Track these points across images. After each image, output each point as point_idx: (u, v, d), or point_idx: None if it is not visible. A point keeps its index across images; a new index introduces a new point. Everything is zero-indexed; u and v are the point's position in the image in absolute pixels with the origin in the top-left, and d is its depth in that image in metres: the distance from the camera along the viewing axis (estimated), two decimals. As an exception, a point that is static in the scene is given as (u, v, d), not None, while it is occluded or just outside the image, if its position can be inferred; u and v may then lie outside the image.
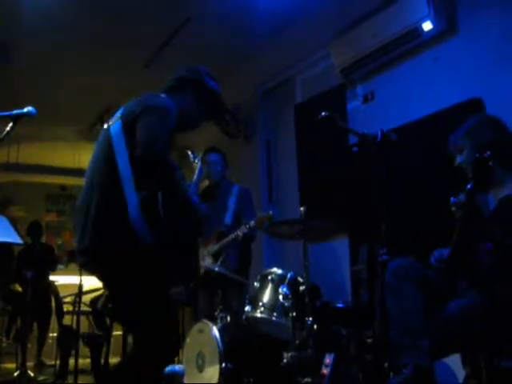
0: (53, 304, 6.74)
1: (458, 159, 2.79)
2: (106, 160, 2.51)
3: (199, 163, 3.12)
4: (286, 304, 3.58)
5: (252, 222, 4.26)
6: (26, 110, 2.74)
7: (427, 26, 4.14)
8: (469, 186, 2.39)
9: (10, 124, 2.66)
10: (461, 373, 2.96)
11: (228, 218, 4.71)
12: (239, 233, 4.36)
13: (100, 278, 2.60)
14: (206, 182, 5.13)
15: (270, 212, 4.28)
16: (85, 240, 2.45)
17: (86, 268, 2.59)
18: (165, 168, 2.47)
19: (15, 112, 2.69)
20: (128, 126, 2.50)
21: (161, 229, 2.42)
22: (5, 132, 2.63)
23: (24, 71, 5.79)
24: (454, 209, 2.65)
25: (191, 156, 3.18)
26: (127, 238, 2.35)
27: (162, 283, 2.49)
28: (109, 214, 2.42)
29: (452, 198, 2.66)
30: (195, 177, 2.99)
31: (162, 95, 2.80)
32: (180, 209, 2.56)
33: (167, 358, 2.55)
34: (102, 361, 4.97)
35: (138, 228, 2.35)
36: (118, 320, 2.84)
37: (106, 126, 2.68)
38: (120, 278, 2.43)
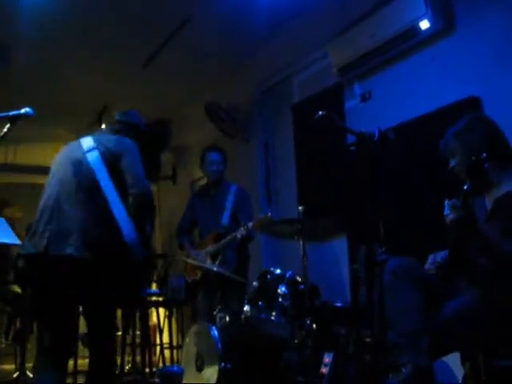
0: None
1: (452, 163, 2.78)
2: (88, 184, 2.88)
3: None
4: (285, 304, 3.58)
5: (250, 224, 4.26)
6: (23, 110, 2.76)
7: (424, 24, 4.14)
8: (465, 188, 2.39)
9: (8, 125, 2.67)
10: (460, 372, 2.96)
11: (225, 219, 4.72)
12: (238, 235, 4.36)
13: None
14: (204, 180, 5.13)
15: (269, 214, 4.29)
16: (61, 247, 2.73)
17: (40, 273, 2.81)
18: (152, 201, 2.96)
19: (13, 113, 2.70)
20: (109, 162, 2.93)
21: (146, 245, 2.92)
22: (2, 133, 2.64)
23: (22, 71, 5.79)
24: (447, 212, 2.63)
25: None
26: (121, 252, 2.79)
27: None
28: (102, 231, 2.81)
29: (446, 202, 2.65)
30: None
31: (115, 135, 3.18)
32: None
33: None
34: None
35: (134, 245, 2.80)
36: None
37: (72, 145, 3.12)
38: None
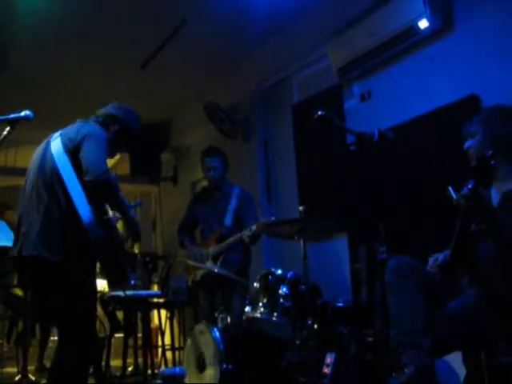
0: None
1: (468, 143, 2.76)
2: (53, 178, 2.95)
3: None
4: (286, 304, 3.58)
5: (254, 227, 4.25)
6: (23, 113, 2.77)
7: (423, 24, 4.14)
8: (470, 186, 2.37)
9: (7, 128, 2.67)
10: (462, 371, 2.96)
11: (228, 220, 4.71)
12: (244, 236, 4.35)
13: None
14: (205, 182, 5.12)
15: (273, 218, 4.28)
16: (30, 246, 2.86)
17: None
18: (111, 186, 2.92)
19: (12, 116, 2.71)
20: (70, 151, 2.97)
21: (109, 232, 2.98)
22: (2, 136, 2.65)
23: (20, 74, 5.78)
24: (456, 201, 2.61)
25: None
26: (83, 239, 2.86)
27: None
28: (63, 223, 2.89)
29: (450, 188, 2.62)
30: None
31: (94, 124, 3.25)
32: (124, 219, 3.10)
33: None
34: (103, 363, 4.96)
35: (92, 230, 2.86)
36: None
37: (43, 143, 3.19)
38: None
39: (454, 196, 2.51)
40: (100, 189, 2.88)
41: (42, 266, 2.87)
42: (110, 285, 4.46)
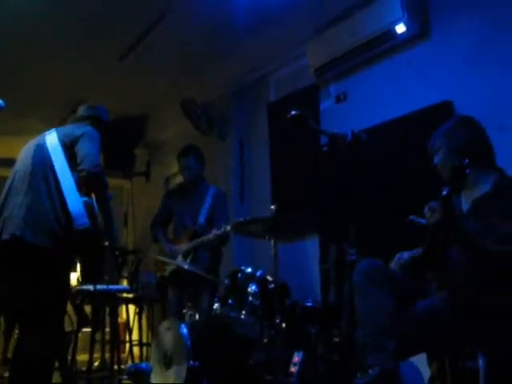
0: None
1: (435, 160, 2.80)
2: (46, 167, 3.09)
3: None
4: (255, 302, 3.59)
5: (228, 227, 4.25)
6: None
7: (400, 28, 4.17)
8: (444, 192, 2.40)
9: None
10: (427, 373, 2.99)
11: (202, 219, 4.71)
12: (211, 236, 4.35)
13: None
14: (181, 178, 5.11)
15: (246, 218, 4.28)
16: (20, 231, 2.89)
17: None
18: (101, 179, 3.12)
19: (-18, 105, 2.67)
20: (66, 145, 3.15)
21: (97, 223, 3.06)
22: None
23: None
24: (428, 214, 2.65)
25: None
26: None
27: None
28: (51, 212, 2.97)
29: (412, 217, 2.69)
30: None
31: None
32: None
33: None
34: (70, 357, 4.91)
35: (79, 219, 2.94)
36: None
37: (36, 138, 3.34)
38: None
39: (422, 222, 2.56)
40: (91, 179, 3.04)
41: (22, 250, 2.88)
42: (83, 278, 4.42)
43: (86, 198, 3.07)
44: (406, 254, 2.81)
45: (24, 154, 3.28)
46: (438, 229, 2.43)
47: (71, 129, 3.31)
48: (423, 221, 2.51)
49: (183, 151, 4.89)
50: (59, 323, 3.01)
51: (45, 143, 3.21)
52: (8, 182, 3.17)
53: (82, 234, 2.94)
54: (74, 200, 2.98)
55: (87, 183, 3.05)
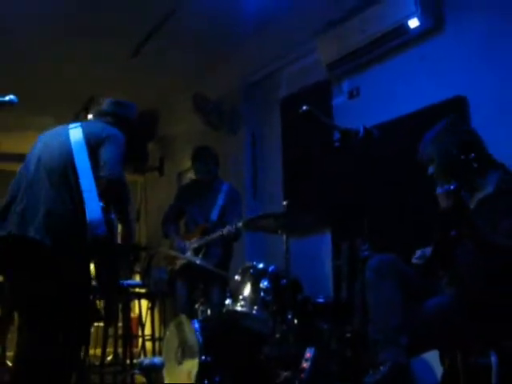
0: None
1: (430, 170, 2.77)
2: (67, 166, 2.90)
3: None
4: (267, 298, 3.58)
5: (239, 224, 4.25)
6: (7, 98, 2.73)
7: (414, 23, 4.14)
8: (452, 187, 2.37)
9: (-9, 111, 2.64)
10: (440, 370, 2.98)
11: (214, 215, 4.71)
12: (224, 232, 4.35)
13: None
14: (194, 175, 5.11)
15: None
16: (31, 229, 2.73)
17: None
18: (124, 188, 2.97)
19: (-4, 99, 2.66)
20: (91, 145, 2.95)
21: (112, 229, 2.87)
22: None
23: (8, 59, 5.72)
24: (441, 199, 2.63)
25: None
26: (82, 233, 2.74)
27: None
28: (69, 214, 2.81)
29: (439, 189, 2.64)
30: None
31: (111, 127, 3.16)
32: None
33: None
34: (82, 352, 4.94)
35: (97, 226, 2.74)
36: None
37: (58, 129, 3.16)
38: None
39: (451, 187, 2.53)
40: (113, 186, 2.87)
41: (39, 251, 2.74)
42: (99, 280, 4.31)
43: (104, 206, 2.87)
44: (427, 250, 2.78)
45: (43, 143, 3.07)
46: (450, 218, 2.40)
47: (99, 128, 3.08)
48: (452, 186, 2.45)
49: (196, 155, 4.89)
50: (73, 324, 2.86)
51: (68, 138, 3.00)
52: (22, 171, 3.00)
53: (97, 242, 2.75)
54: (95, 206, 2.77)
55: (109, 191, 2.86)
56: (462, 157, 2.42)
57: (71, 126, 3.11)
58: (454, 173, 2.50)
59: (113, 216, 2.91)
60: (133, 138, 3.34)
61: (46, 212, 2.78)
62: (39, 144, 3.09)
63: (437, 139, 2.72)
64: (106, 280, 2.96)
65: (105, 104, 3.35)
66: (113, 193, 2.89)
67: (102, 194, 2.83)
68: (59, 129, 3.15)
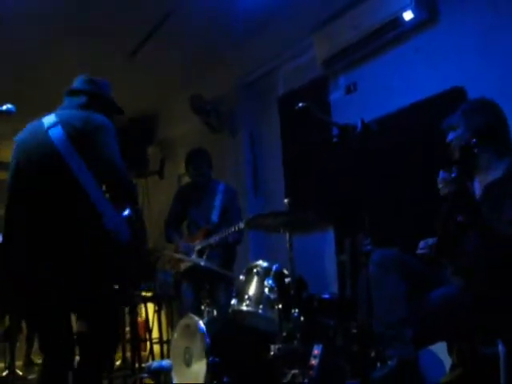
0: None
1: (450, 136, 2.77)
2: (56, 171, 2.53)
3: None
4: (272, 296, 3.57)
5: (241, 224, 4.25)
6: (5, 107, 2.72)
7: (408, 15, 4.14)
8: (453, 175, 2.38)
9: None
10: (448, 361, 2.98)
11: (214, 217, 4.72)
12: (230, 239, 4.37)
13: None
14: (189, 178, 5.11)
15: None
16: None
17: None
18: (134, 187, 2.79)
19: (-7, 108, 2.64)
20: (74, 139, 2.55)
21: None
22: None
23: (6, 62, 5.71)
24: (441, 185, 2.63)
25: None
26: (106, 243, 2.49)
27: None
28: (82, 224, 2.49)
29: (441, 173, 2.64)
30: None
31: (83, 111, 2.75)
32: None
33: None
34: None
35: (119, 228, 2.52)
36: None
37: (32, 125, 2.72)
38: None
39: (441, 176, 2.53)
40: (120, 192, 2.64)
41: None
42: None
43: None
44: (430, 241, 2.77)
45: (20, 148, 2.67)
46: (455, 205, 2.40)
47: (80, 119, 2.63)
48: (453, 174, 2.45)
49: (188, 159, 4.90)
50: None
51: (48, 138, 2.58)
52: (12, 181, 2.63)
53: (126, 249, 2.57)
54: (111, 211, 2.52)
55: (116, 197, 2.61)
56: (474, 141, 2.42)
57: (47, 121, 2.67)
58: (462, 154, 2.49)
59: (126, 213, 2.65)
60: (131, 141, 3.21)
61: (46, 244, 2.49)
62: (17, 151, 2.70)
63: (469, 112, 2.72)
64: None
65: (76, 82, 3.01)
66: (124, 196, 2.67)
67: (111, 199, 2.58)
68: (35, 127, 2.72)
